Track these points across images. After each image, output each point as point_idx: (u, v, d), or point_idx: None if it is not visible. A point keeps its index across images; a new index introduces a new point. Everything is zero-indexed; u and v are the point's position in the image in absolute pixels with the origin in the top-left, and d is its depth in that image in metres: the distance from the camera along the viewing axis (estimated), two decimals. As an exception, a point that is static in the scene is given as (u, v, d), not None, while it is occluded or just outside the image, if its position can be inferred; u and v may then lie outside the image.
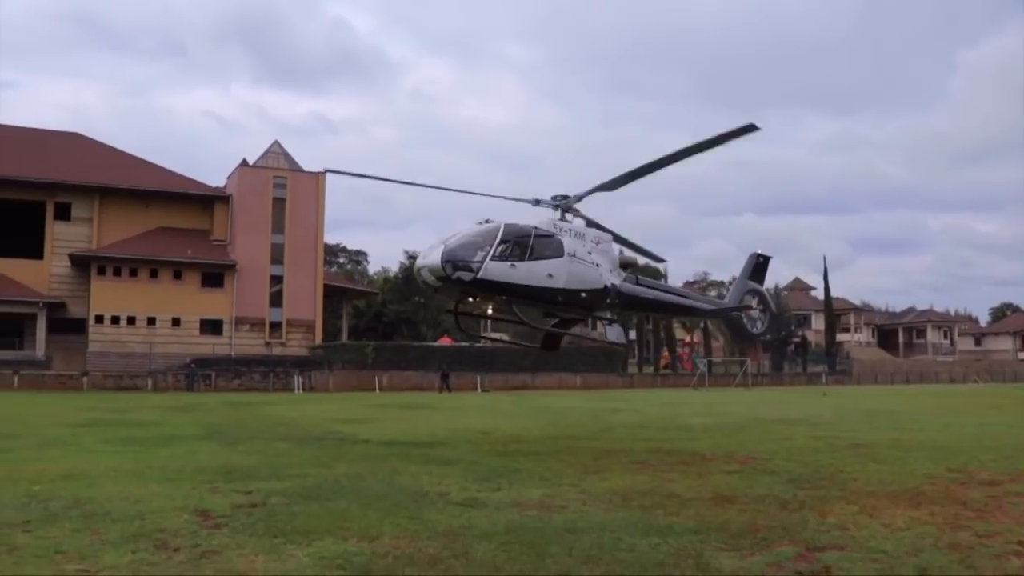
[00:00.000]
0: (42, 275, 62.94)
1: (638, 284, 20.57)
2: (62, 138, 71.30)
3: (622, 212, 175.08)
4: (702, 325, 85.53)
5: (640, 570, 7.47)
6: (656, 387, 67.57)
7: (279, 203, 66.85)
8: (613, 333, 20.76)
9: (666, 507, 10.57)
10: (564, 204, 18.85)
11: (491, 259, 16.78)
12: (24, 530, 8.87)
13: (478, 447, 17.96)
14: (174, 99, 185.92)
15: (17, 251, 62.37)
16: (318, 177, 68.71)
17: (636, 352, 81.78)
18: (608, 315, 21.00)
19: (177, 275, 63.43)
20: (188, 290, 63.54)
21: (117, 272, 61.95)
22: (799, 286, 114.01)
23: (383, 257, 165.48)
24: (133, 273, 62.22)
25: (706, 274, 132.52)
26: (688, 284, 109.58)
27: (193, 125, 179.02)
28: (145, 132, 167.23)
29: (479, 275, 16.66)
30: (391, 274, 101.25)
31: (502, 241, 17.05)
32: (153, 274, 62.74)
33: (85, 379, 53.54)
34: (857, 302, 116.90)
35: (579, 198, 18.93)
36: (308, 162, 72.89)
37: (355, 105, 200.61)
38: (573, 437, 20.84)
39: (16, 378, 51.93)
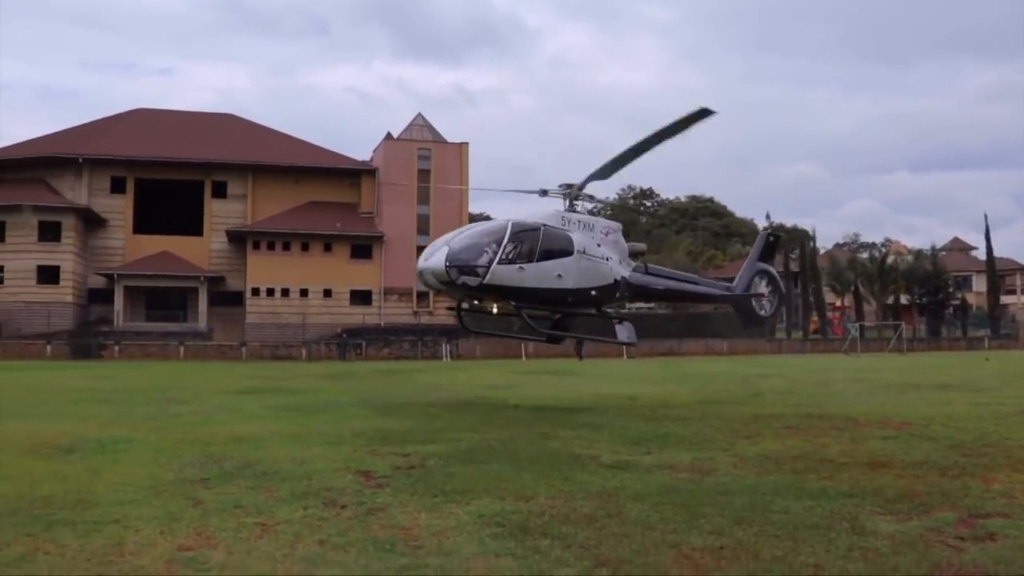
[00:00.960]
0: (202, 251, 66.15)
1: (648, 274, 20.18)
2: (217, 120, 74.64)
3: (764, 174, 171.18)
4: (853, 288, 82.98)
5: (794, 531, 7.44)
6: (805, 352, 66.11)
7: (424, 174, 67.98)
8: (624, 333, 19.91)
9: (819, 471, 10.45)
10: (571, 193, 18.42)
11: (498, 262, 16.25)
12: (205, 487, 9.51)
13: (626, 412, 18.03)
14: (318, 77, 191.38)
15: (180, 229, 65.76)
16: (461, 147, 69.71)
17: (784, 317, 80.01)
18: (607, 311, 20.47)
19: (327, 248, 65.47)
20: (338, 262, 65.51)
21: (271, 246, 64.42)
22: (958, 246, 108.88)
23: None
24: (286, 247, 64.55)
25: (857, 236, 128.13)
26: (838, 246, 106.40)
27: (336, 101, 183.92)
28: (292, 110, 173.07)
29: (486, 280, 16.20)
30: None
31: (510, 241, 16.50)
32: (304, 247, 64.92)
33: (244, 349, 56.05)
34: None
35: (581, 186, 18.45)
36: (449, 133, 74.00)
37: (494, 75, 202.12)
38: (722, 402, 20.67)
39: (182, 348, 54.90)
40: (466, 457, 11.50)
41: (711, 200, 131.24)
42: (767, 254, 23.97)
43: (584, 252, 17.75)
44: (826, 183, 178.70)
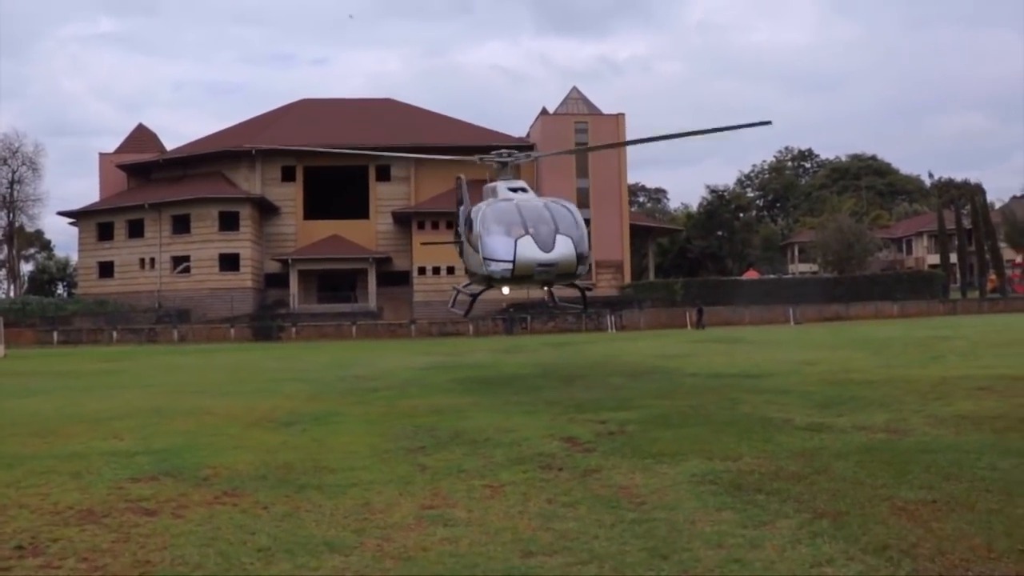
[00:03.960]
0: (369, 233, 68.55)
1: None
2: (376, 105, 76.97)
3: (928, 125, 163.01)
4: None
5: (1006, 487, 7.57)
6: (983, 313, 63.05)
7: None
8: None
9: (1022, 431, 10.40)
10: (512, 161, 18.56)
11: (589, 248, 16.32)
12: (424, 454, 10.26)
13: (806, 378, 17.99)
14: (465, 56, 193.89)
15: (348, 213, 68.34)
16: (618, 119, 69.56)
17: (958, 275, 76.70)
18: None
19: (489, 225, 66.56)
20: (500, 238, 66.35)
21: (435, 226, 65.95)
22: None
23: (681, 193, 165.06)
24: (450, 226, 65.71)
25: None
26: (1016, 199, 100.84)
27: (483, 79, 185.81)
28: (441, 89, 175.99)
29: (585, 267, 16.18)
30: (692, 210, 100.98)
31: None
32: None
33: (412, 327, 57.70)
34: None
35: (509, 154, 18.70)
36: (599, 105, 73.82)
37: (640, 43, 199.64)
38: (903, 365, 20.34)
39: (354, 328, 57.01)
40: (662, 422, 11.93)
41: (873, 158, 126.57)
42: None
43: None
44: (996, 134, 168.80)
